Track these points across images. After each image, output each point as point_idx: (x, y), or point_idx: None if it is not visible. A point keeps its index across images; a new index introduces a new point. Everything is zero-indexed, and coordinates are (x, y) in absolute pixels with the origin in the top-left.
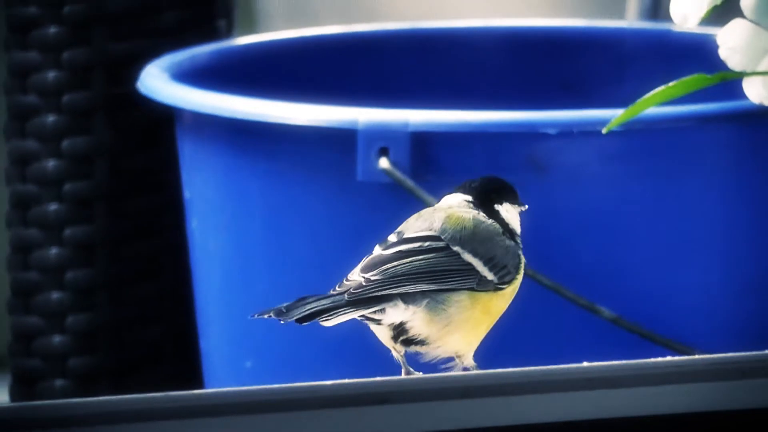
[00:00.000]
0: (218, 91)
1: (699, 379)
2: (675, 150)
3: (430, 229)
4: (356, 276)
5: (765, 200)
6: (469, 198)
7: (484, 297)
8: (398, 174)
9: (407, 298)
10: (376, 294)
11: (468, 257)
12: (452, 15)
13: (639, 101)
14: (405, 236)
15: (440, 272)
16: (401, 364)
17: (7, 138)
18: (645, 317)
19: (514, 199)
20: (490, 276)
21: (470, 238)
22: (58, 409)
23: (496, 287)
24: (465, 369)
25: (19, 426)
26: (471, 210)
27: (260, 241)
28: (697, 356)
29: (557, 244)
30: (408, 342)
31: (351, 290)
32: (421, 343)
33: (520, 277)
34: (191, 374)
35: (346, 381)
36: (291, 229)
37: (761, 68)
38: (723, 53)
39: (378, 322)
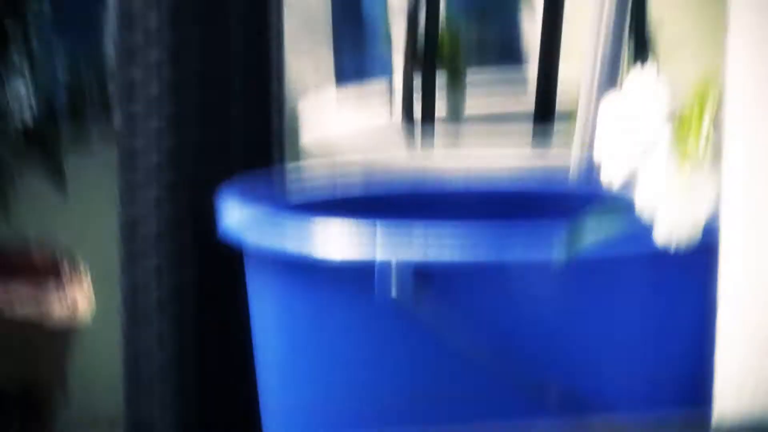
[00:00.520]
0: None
1: None
2: (604, 279)
3: None
4: None
5: (671, 315)
6: None
7: None
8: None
9: None
10: None
11: None
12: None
13: (576, 242)
14: None
15: None
16: None
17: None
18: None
19: None
20: None
21: None
22: None
23: None
24: None
25: None
26: None
27: (306, 354)
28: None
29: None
30: None
31: None
32: None
33: None
34: None
35: None
36: (332, 343)
37: (663, 220)
38: (638, 209)
39: None
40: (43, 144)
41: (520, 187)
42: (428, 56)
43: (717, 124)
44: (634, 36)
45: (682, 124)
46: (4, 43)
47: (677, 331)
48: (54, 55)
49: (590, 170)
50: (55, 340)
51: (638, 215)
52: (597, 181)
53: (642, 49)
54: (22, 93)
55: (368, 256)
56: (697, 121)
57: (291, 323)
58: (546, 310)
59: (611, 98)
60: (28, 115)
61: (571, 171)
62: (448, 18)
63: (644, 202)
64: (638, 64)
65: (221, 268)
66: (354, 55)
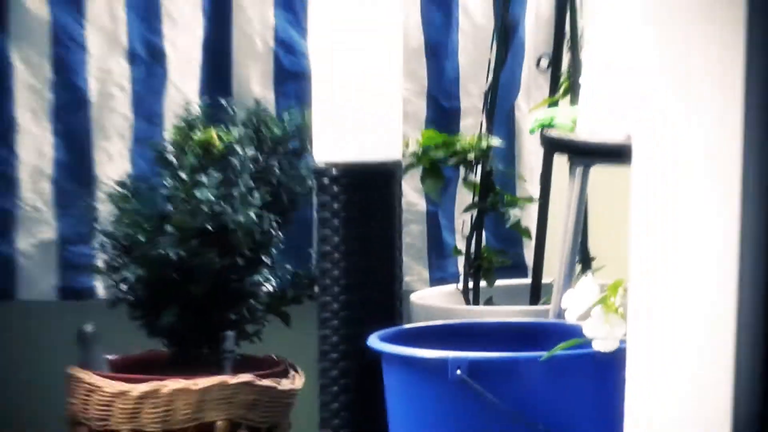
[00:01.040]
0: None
1: None
2: (568, 368)
3: None
4: None
5: (608, 396)
6: None
7: None
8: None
9: None
10: None
11: None
12: None
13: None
14: None
15: None
16: None
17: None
18: None
19: None
20: None
21: None
22: None
23: None
24: None
25: None
26: None
27: (414, 414)
28: None
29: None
30: None
31: None
32: None
33: None
34: None
35: None
36: (423, 406)
37: (598, 339)
38: (585, 333)
39: None
40: (279, 307)
41: (526, 323)
42: (476, 267)
43: (625, 295)
44: (581, 252)
45: (606, 296)
46: (260, 259)
47: (612, 410)
48: (284, 263)
49: (560, 315)
50: (283, 400)
51: (586, 336)
52: (564, 320)
53: (586, 261)
54: (268, 282)
55: (444, 355)
56: (614, 294)
57: (405, 396)
58: (538, 386)
59: (570, 291)
60: (271, 292)
61: (551, 315)
62: (486, 245)
63: (588, 330)
64: (584, 272)
65: (371, 368)
66: (438, 268)
